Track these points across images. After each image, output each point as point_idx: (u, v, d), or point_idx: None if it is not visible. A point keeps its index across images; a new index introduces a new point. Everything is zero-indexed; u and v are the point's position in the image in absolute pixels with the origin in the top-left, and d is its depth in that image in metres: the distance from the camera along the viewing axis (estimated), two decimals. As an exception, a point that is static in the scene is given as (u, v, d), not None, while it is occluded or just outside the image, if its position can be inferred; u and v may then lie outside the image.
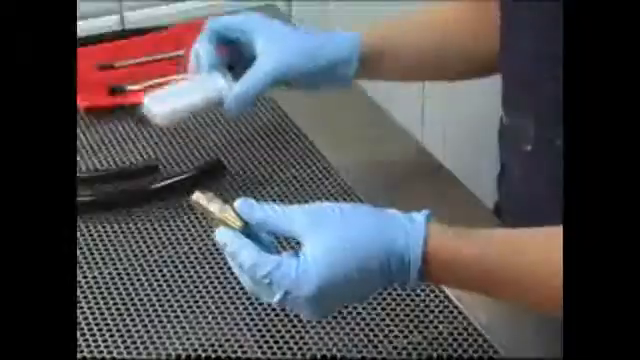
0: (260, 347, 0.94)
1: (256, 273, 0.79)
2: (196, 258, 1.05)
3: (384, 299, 0.98)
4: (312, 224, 0.80)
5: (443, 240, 0.80)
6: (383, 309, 0.97)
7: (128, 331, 0.96)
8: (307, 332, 0.95)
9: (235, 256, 0.81)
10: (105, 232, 1.09)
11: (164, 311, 0.98)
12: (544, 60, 0.93)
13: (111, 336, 0.95)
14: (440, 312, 0.97)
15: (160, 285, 1.01)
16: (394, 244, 0.79)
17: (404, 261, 0.79)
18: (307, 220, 0.80)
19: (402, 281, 0.81)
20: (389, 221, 0.81)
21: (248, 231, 0.82)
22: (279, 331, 0.95)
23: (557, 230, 0.73)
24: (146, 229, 1.09)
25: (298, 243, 0.81)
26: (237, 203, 0.82)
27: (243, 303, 0.99)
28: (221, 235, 0.82)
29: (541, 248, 0.81)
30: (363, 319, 0.96)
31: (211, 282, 1.01)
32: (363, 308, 0.97)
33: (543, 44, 0.93)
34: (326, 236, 0.79)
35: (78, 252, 1.05)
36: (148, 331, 0.96)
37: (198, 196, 0.84)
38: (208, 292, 1.00)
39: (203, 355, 0.93)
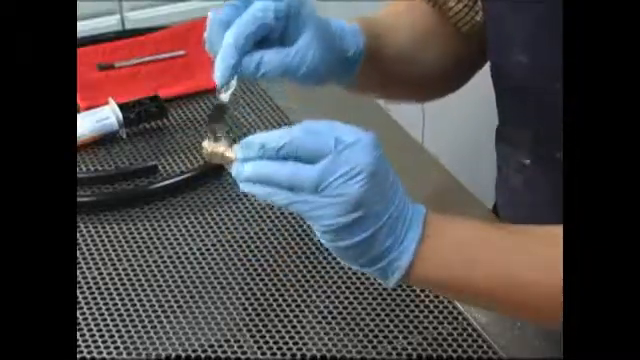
0: (260, 347, 0.94)
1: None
2: (196, 258, 1.05)
3: (384, 299, 0.98)
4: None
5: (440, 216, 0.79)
6: (383, 309, 0.97)
7: (128, 331, 0.96)
8: (307, 332, 0.95)
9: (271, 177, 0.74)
10: (105, 232, 1.09)
11: (164, 311, 0.98)
12: (541, 75, 0.92)
13: (111, 336, 0.95)
14: (440, 312, 0.97)
15: (160, 285, 1.01)
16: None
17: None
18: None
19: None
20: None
21: None
22: (279, 331, 0.95)
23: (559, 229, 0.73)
24: (146, 229, 1.09)
25: None
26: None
27: (243, 303, 0.99)
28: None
29: (542, 234, 0.80)
30: (363, 319, 0.96)
31: (210, 282, 1.01)
32: (363, 308, 0.97)
33: (540, 58, 0.92)
34: None
35: (78, 252, 1.05)
36: (148, 331, 0.96)
37: (210, 145, 0.78)
38: (208, 292, 1.00)
39: (203, 355, 0.93)
